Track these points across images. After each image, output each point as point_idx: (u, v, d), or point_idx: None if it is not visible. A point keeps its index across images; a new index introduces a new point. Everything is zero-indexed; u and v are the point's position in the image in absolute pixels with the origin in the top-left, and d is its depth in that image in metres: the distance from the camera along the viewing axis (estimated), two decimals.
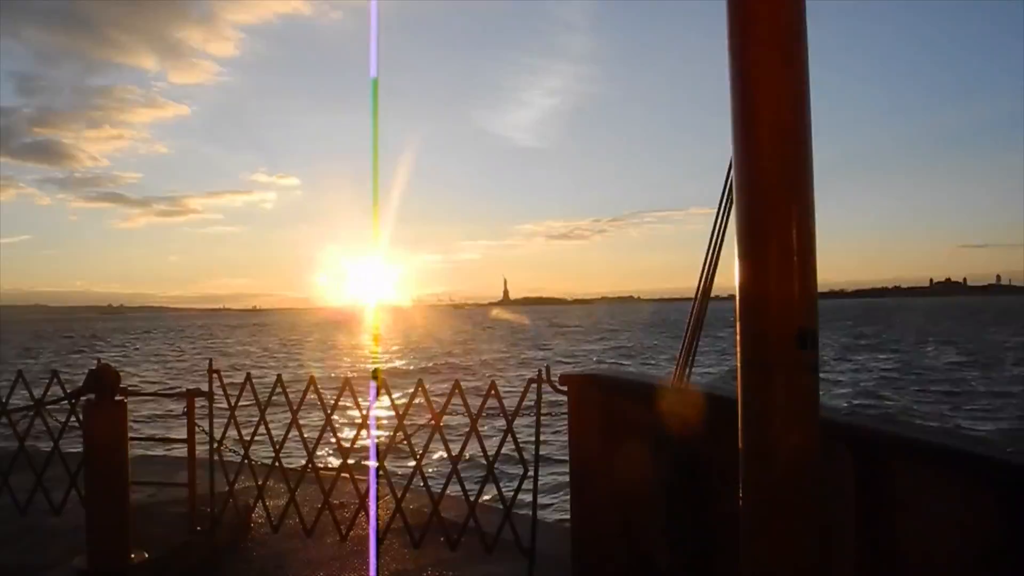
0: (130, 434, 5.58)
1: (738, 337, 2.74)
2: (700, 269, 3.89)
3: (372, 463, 6.10)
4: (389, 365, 43.18)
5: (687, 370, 4.11)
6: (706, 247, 3.83)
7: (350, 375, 6.82)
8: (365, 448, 6.33)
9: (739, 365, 2.74)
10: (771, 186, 2.69)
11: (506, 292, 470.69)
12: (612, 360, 44.94)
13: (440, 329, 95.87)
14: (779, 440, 2.64)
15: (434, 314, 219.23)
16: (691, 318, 4.01)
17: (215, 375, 6.40)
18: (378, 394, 6.01)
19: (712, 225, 3.73)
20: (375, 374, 6.36)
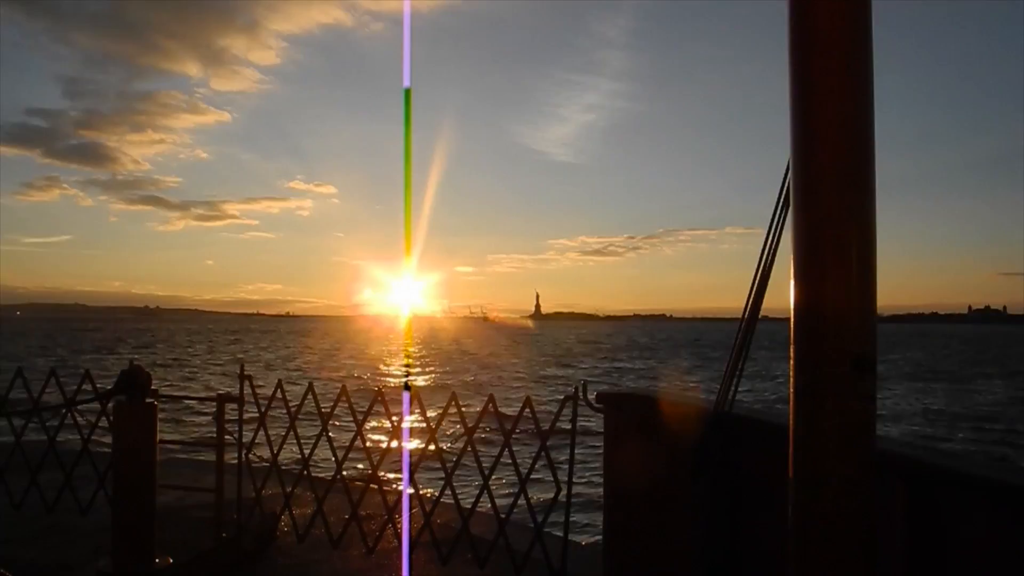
0: (159, 436, 5.56)
1: (792, 361, 2.62)
2: (748, 287, 3.76)
3: (405, 475, 6.01)
4: (421, 377, 43.23)
5: (732, 393, 3.99)
6: (755, 266, 3.70)
7: (382, 386, 6.75)
8: (395, 460, 6.26)
9: (792, 390, 2.62)
10: (831, 201, 2.55)
11: (538, 306, 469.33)
12: (647, 379, 44.63)
13: (472, 341, 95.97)
14: (832, 470, 2.52)
15: (466, 326, 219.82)
16: (738, 338, 3.88)
17: (247, 380, 6.37)
18: (411, 406, 5.94)
19: (763, 242, 3.61)
20: (407, 386, 6.32)
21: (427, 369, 49.10)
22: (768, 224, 3.57)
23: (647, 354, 72.78)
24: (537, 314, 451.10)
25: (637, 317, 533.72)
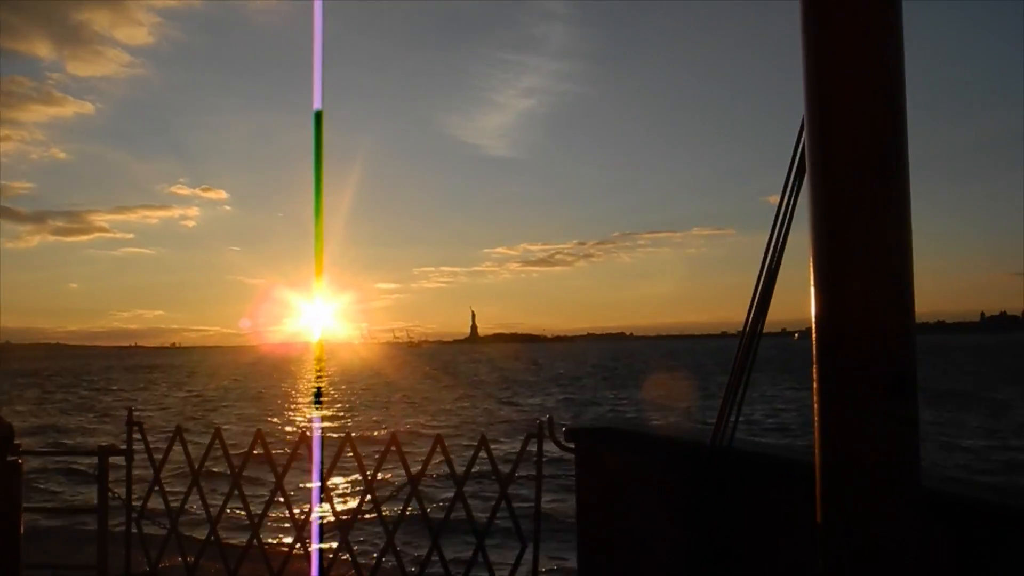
0: (24, 503, 5.40)
1: (815, 382, 2.60)
2: (751, 295, 3.77)
3: (315, 546, 5.97)
4: (338, 415, 42.92)
5: (731, 423, 3.99)
6: (758, 270, 3.71)
7: (302, 430, 6.67)
8: (324, 518, 6.17)
9: (817, 417, 2.60)
10: (858, 191, 2.51)
11: (474, 327, 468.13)
12: (615, 411, 44.82)
13: (396, 371, 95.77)
14: (869, 509, 2.50)
15: (390, 352, 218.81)
16: (737, 358, 3.88)
17: (135, 428, 6.23)
18: (339, 454, 5.89)
19: (768, 239, 3.61)
20: (308, 431, 6.23)
21: (345, 406, 48.74)
22: (773, 217, 3.58)
23: (609, 380, 73.14)
24: (473, 336, 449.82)
25: (591, 336, 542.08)
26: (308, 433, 5.98)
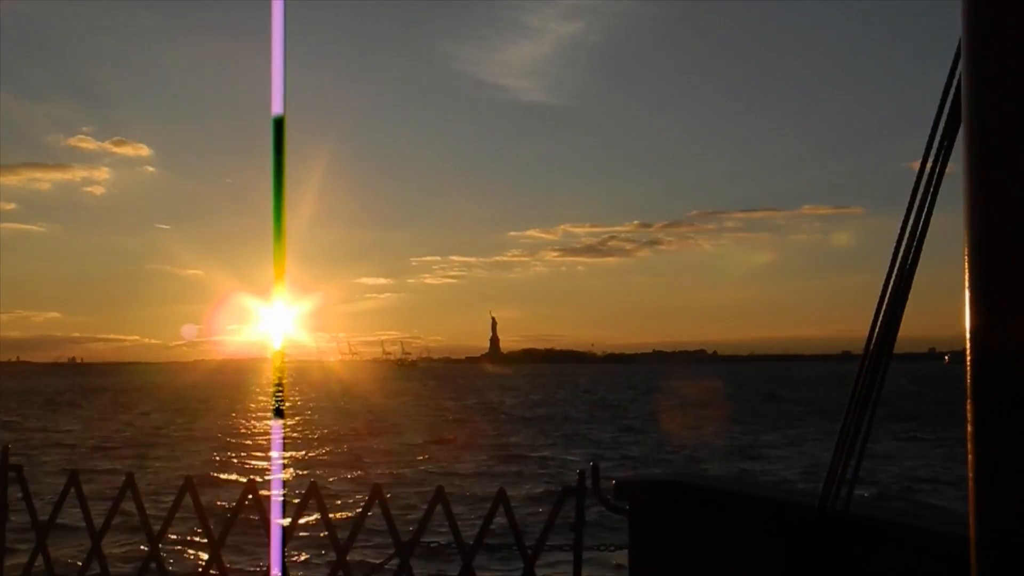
0: None
1: (970, 424, 2.54)
2: (874, 308, 3.68)
3: None
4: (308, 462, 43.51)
5: (847, 479, 3.95)
6: (886, 274, 3.64)
7: (251, 479, 6.73)
8: None
9: (971, 471, 2.54)
10: None
11: (495, 340, 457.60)
12: (692, 461, 44.88)
13: (387, 401, 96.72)
14: None
15: (377, 373, 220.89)
16: (857, 389, 3.82)
17: (14, 474, 6.28)
18: (303, 506, 5.88)
19: (901, 225, 3.54)
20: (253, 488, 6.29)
21: (316, 452, 48.86)
22: (911, 192, 3.55)
23: (686, 419, 72.22)
24: (494, 352, 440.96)
25: (658, 355, 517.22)
26: (257, 479, 6.01)
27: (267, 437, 55.56)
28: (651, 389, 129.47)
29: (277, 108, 6.15)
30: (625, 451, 49.97)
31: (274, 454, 47.21)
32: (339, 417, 73.35)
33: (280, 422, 66.46)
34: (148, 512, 6.41)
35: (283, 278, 7.40)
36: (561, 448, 50.66)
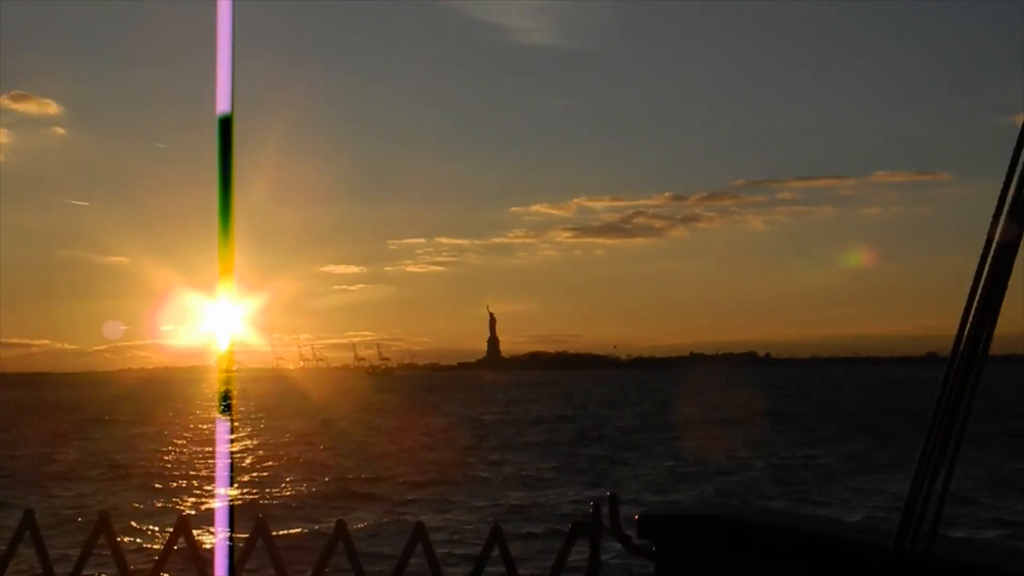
0: None
1: None
2: (966, 298, 3.63)
3: None
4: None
5: (929, 514, 3.94)
6: (980, 255, 3.58)
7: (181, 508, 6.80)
8: None
9: None
10: None
11: (494, 341, 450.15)
12: (734, 493, 44.98)
13: (346, 411, 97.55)
14: None
15: (347, 383, 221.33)
16: (942, 401, 3.77)
17: None
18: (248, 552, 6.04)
19: (1000, 194, 3.48)
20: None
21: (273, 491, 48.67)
22: (1010, 162, 3.48)
23: (726, 438, 72.02)
24: (492, 355, 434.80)
25: (697, 358, 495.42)
26: (188, 514, 6.05)
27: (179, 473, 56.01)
28: (687, 398, 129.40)
29: (223, 105, 6.55)
30: (648, 477, 50.64)
31: (219, 489, 47.07)
32: (281, 443, 74.35)
33: (227, 442, 66.50)
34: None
35: (232, 267, 7.47)
36: (566, 476, 51.36)
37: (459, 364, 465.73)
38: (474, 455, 61.59)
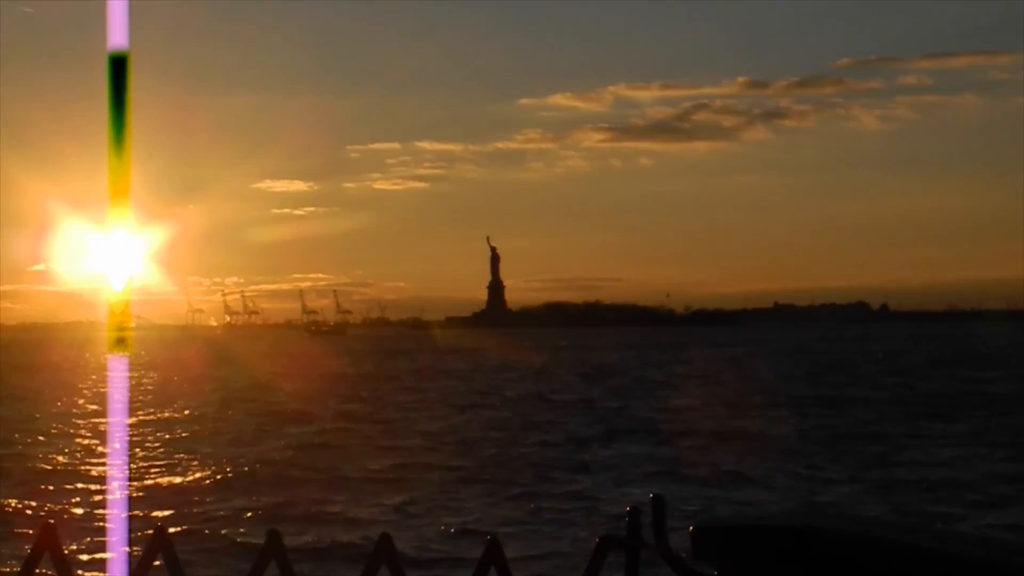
0: None
1: None
2: None
3: None
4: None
5: None
6: None
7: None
8: None
9: None
10: None
11: (497, 286, 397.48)
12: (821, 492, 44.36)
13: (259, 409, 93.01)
14: None
15: (287, 347, 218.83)
16: None
17: None
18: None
19: None
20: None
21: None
22: None
23: (836, 429, 67.95)
24: (495, 307, 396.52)
25: (782, 311, 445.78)
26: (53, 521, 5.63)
27: None
28: (766, 368, 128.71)
29: (118, 39, 6.65)
30: (703, 474, 48.51)
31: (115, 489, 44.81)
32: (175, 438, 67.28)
33: (121, 419, 65.40)
34: None
35: (127, 184, 7.08)
36: (589, 476, 48.54)
37: (447, 319, 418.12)
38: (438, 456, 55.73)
